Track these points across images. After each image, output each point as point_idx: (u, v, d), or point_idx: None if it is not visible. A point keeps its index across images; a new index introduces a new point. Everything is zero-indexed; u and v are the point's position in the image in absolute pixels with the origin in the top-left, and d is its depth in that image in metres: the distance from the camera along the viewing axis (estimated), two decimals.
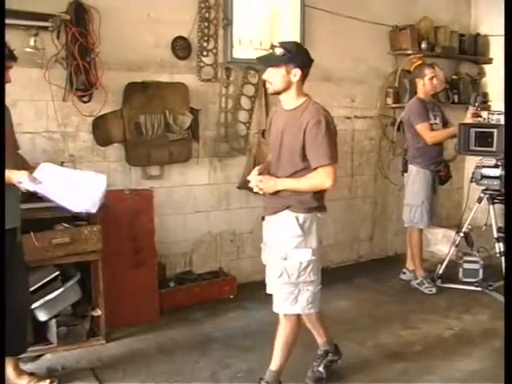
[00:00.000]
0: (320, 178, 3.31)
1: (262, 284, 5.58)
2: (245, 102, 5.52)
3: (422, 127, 5.53)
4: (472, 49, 6.92)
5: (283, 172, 3.43)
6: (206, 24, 5.20)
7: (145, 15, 4.91)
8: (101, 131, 4.64)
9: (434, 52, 6.51)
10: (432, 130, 5.57)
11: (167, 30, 4.99)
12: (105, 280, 4.22)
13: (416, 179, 5.68)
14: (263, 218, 3.64)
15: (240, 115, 5.56)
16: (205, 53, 5.26)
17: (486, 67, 7.18)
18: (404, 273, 6.06)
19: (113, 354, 4.19)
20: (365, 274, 6.19)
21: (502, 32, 6.76)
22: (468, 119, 5.59)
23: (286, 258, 3.41)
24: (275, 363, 3.58)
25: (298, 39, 5.68)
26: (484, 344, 4.50)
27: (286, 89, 3.40)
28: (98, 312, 4.24)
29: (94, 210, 3.50)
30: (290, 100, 3.44)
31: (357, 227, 6.62)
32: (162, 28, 4.97)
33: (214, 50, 5.31)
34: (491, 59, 7.12)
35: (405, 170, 5.82)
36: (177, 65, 5.11)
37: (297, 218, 3.38)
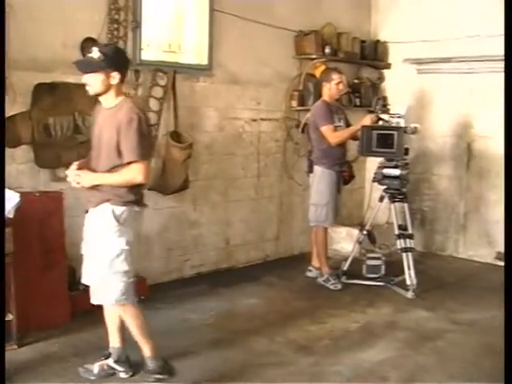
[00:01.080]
0: (131, 173, 3.49)
1: (172, 284, 5.73)
2: (153, 104, 5.51)
3: (326, 129, 5.72)
4: (372, 54, 7.22)
5: (102, 167, 3.57)
6: (116, 26, 5.16)
7: (54, 14, 4.81)
8: (9, 133, 4.53)
9: (337, 57, 6.74)
10: (336, 132, 5.77)
11: (76, 31, 4.90)
12: (16, 283, 4.12)
13: (321, 179, 5.87)
14: (87, 211, 3.74)
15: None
16: None
17: (386, 72, 7.51)
18: (310, 270, 6.22)
19: (25, 358, 4.09)
20: (272, 272, 6.32)
21: (400, 39, 7.24)
22: (366, 119, 5.80)
23: (102, 247, 3.59)
24: (147, 350, 3.77)
25: (205, 42, 5.78)
26: (387, 335, 4.72)
27: (105, 91, 3.54)
28: (10, 317, 4.13)
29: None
30: (109, 100, 3.59)
31: (263, 227, 6.75)
32: (72, 28, 4.89)
33: None
34: (390, 64, 7.46)
35: (310, 170, 6.00)
36: None
37: (113, 211, 3.54)
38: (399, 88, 7.25)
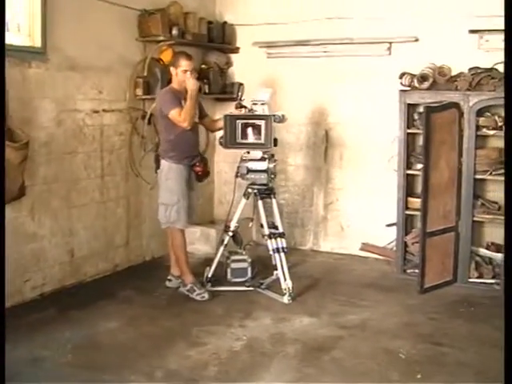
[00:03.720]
0: None
1: (12, 312, 4.69)
2: None
3: (175, 113, 5.04)
4: (220, 37, 6.61)
5: None
6: None
7: None
8: None
9: (185, 39, 6.04)
10: None
11: None
12: None
13: (169, 175, 5.21)
14: None
15: None
16: None
17: (233, 56, 6.93)
18: (170, 280, 5.55)
19: None
20: (126, 284, 5.51)
21: (249, 21, 6.70)
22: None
23: None
24: None
25: (38, 21, 4.83)
26: (278, 352, 4.15)
27: None
28: None
29: None
30: None
31: (111, 233, 5.91)
32: None
33: None
34: (238, 48, 6.89)
35: (157, 166, 5.31)
36: None
37: None
38: (248, 74, 6.72)
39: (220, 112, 6.94)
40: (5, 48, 3.13)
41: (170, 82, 5.36)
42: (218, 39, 6.58)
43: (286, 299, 5.12)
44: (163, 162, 5.23)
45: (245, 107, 5.27)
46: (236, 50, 6.88)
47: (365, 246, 6.49)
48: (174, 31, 5.87)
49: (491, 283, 5.49)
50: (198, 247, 6.48)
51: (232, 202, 5.51)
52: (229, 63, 6.89)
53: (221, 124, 5.28)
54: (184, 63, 5.17)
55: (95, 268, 5.72)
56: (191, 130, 5.18)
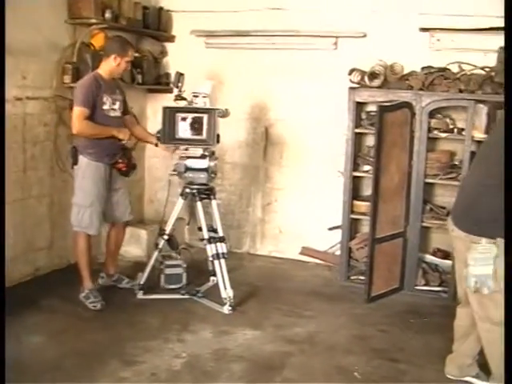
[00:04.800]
0: None
1: None
2: None
3: (78, 112, 4.56)
4: (156, 24, 6.11)
5: None
6: None
7: None
8: None
9: (119, 24, 5.53)
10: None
11: None
12: None
13: (86, 174, 4.72)
14: None
15: None
16: None
17: (169, 45, 6.45)
18: (102, 277, 5.20)
19: None
20: (51, 291, 4.96)
21: (187, 7, 6.24)
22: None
23: None
24: None
25: None
26: (223, 371, 3.79)
27: None
28: None
29: None
30: None
31: (33, 234, 5.35)
32: None
33: None
34: (174, 37, 6.41)
35: (74, 161, 4.78)
36: None
37: None
38: (185, 64, 6.19)
39: (152, 104, 6.52)
40: (5, 48, 2.97)
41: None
42: (153, 26, 6.09)
43: (226, 309, 4.74)
44: (81, 158, 4.72)
45: (185, 99, 4.84)
46: (172, 39, 6.40)
47: (305, 250, 6.17)
48: (107, 14, 5.33)
49: (438, 291, 5.28)
50: (127, 249, 5.96)
51: (166, 202, 5.09)
52: (164, 52, 6.40)
53: (149, 138, 5.08)
54: (131, 53, 4.81)
55: (17, 272, 5.15)
56: (116, 125, 4.77)
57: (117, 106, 4.81)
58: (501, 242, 3.27)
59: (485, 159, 3.53)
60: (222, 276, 4.83)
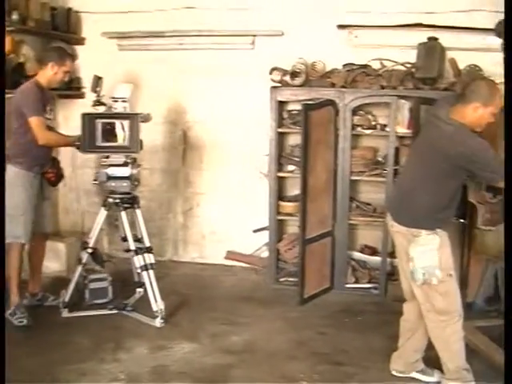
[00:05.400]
0: None
1: None
2: None
3: (38, 122, 4.41)
4: (64, 25, 5.79)
5: None
6: None
7: None
8: None
9: (27, 26, 5.19)
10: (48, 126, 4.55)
11: None
12: None
13: (16, 183, 4.50)
14: None
15: None
16: None
17: (79, 48, 6.13)
18: (26, 297, 4.86)
19: None
20: None
21: (95, 9, 5.96)
22: None
23: None
24: None
25: None
26: None
27: None
28: None
29: None
30: None
31: None
32: None
33: None
34: (84, 39, 6.11)
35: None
36: None
37: None
38: (96, 68, 5.86)
39: (64, 111, 6.19)
40: (5, 48, 3.02)
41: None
42: (62, 27, 5.77)
43: (158, 322, 4.54)
44: (9, 167, 4.49)
45: (104, 105, 4.61)
46: (82, 41, 6.09)
47: (230, 255, 6.04)
48: (15, 16, 4.98)
49: (368, 288, 5.29)
50: (46, 264, 5.55)
51: (85, 213, 4.84)
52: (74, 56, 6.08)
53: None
54: (69, 64, 4.71)
55: None
56: None
57: (52, 115, 4.75)
58: (442, 233, 3.33)
59: (418, 156, 3.56)
60: (152, 288, 4.62)
